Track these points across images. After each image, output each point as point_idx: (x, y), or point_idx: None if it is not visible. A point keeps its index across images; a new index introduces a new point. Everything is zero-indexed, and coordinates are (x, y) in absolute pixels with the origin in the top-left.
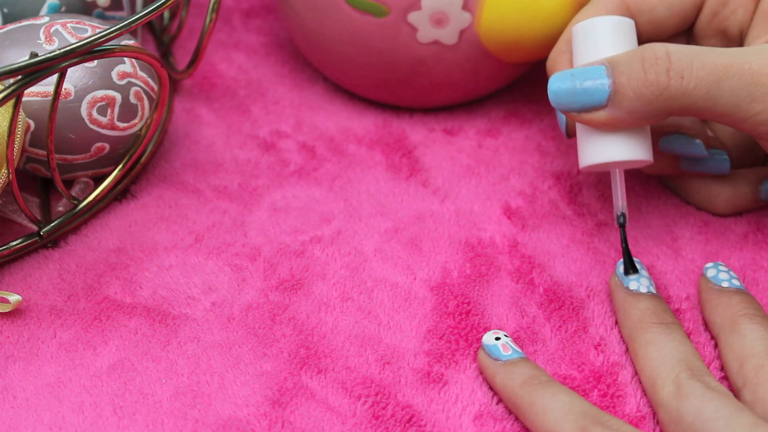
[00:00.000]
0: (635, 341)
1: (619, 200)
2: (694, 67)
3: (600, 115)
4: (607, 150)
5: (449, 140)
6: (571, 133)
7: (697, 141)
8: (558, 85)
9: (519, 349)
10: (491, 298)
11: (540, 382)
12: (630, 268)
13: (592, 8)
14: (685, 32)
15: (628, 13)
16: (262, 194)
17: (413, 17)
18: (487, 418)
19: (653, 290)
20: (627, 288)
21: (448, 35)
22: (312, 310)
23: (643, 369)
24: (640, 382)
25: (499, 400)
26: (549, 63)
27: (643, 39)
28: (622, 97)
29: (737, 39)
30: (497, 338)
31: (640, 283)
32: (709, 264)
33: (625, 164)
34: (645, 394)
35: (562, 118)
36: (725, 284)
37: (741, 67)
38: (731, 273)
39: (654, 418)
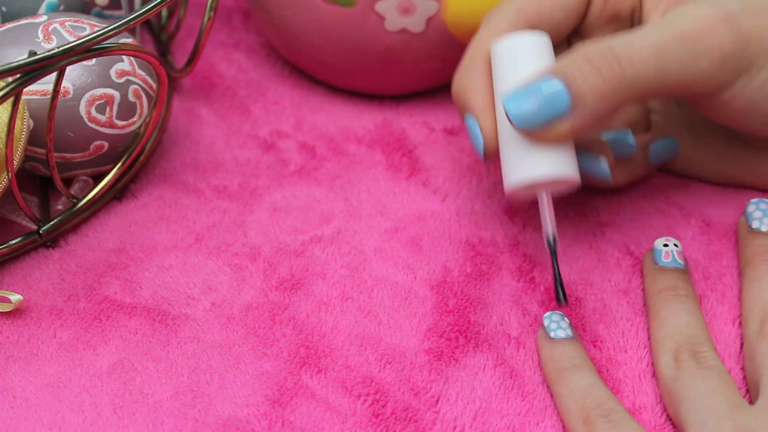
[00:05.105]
0: (556, 386)
1: (549, 224)
2: (635, 50)
3: (564, 126)
4: (537, 167)
5: (450, 140)
6: (489, 156)
7: (601, 158)
8: (518, 106)
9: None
10: (492, 297)
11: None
12: (563, 296)
13: (494, 26)
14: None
15: (529, 23)
16: (262, 194)
17: (381, 6)
18: (487, 416)
19: (571, 333)
20: (548, 335)
21: (415, 23)
22: (312, 310)
23: (562, 409)
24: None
25: (499, 399)
26: (458, 88)
27: None
28: (584, 100)
29: (629, 19)
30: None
31: (559, 326)
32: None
33: (552, 185)
34: (641, 391)
35: (479, 140)
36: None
37: (673, 35)
38: (675, 251)
39: (653, 410)
